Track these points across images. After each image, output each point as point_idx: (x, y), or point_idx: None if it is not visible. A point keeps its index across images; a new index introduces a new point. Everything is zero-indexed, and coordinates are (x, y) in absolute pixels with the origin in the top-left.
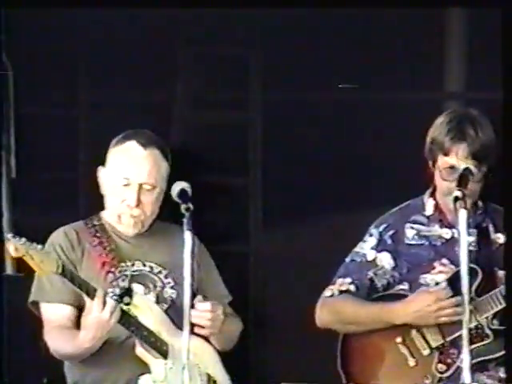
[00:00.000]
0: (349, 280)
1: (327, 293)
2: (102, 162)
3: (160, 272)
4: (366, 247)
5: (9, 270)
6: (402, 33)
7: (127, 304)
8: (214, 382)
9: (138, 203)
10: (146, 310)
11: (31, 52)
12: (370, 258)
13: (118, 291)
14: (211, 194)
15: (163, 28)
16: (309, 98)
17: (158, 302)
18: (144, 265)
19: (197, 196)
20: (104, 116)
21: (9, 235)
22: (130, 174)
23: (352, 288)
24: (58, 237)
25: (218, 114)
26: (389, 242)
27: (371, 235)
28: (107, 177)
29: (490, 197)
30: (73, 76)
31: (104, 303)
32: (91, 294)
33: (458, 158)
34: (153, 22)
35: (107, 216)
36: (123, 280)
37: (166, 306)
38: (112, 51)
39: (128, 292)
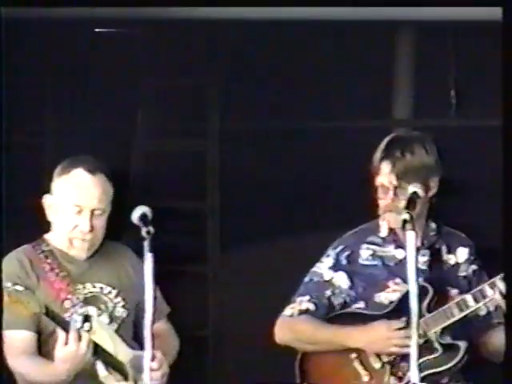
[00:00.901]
0: (307, 298)
1: (287, 312)
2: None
3: (110, 292)
4: (324, 267)
5: None
6: (352, 62)
7: (88, 330)
8: None
9: (91, 229)
10: (103, 334)
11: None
12: (327, 278)
13: (79, 319)
14: (171, 218)
15: (126, 57)
16: (262, 126)
17: (110, 322)
18: (94, 286)
19: (157, 220)
20: (66, 143)
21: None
22: (81, 201)
23: (311, 307)
24: (11, 265)
25: (177, 142)
26: (344, 262)
27: (328, 256)
28: (55, 204)
29: (443, 219)
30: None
31: (80, 337)
32: (67, 329)
33: (384, 175)
34: (117, 51)
35: (55, 241)
36: (81, 307)
37: (116, 325)
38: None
39: (87, 318)
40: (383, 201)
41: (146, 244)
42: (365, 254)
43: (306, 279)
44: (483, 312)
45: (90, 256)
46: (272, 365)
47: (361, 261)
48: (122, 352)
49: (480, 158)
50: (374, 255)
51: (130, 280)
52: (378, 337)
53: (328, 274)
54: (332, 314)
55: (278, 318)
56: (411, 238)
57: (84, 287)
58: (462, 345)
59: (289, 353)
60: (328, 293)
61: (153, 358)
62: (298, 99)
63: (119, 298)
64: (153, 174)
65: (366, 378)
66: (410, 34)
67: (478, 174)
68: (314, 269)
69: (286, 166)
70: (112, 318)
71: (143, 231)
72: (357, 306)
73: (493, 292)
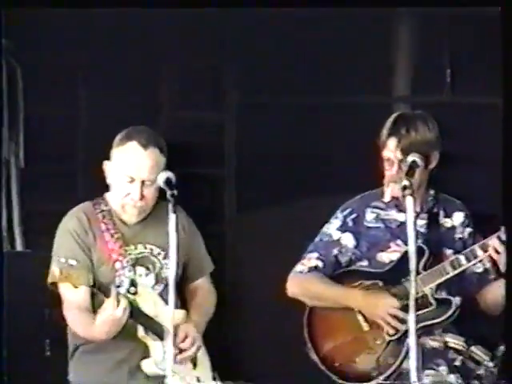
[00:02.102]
0: (316, 255)
1: (298, 268)
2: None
3: (159, 253)
4: (332, 228)
5: (18, 246)
6: (358, 45)
7: (134, 294)
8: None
9: (142, 197)
10: (146, 296)
11: (36, 53)
12: (335, 238)
13: (126, 282)
14: (193, 183)
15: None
16: (275, 101)
17: (156, 282)
18: (145, 247)
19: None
20: (100, 114)
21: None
22: (132, 173)
23: (320, 264)
24: (70, 222)
25: (200, 115)
26: (351, 224)
27: (336, 218)
28: (112, 171)
29: (442, 187)
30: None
31: (118, 302)
32: (107, 294)
33: (390, 150)
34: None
35: (112, 202)
36: (129, 270)
37: (162, 286)
38: (106, 55)
39: (133, 283)
40: (389, 172)
41: (170, 206)
42: (369, 216)
43: (316, 239)
44: (480, 269)
45: (143, 218)
46: (284, 318)
47: (366, 223)
48: (162, 314)
49: (472, 131)
50: (377, 218)
51: (179, 237)
52: (376, 308)
53: (336, 234)
54: (339, 270)
55: (290, 273)
56: (410, 202)
57: (136, 248)
58: (455, 300)
59: (299, 307)
60: (335, 251)
61: (184, 339)
62: (305, 80)
63: (167, 260)
64: (179, 143)
65: (366, 328)
66: (409, 18)
67: (472, 147)
68: (323, 229)
69: (299, 137)
70: (158, 279)
71: (168, 194)
72: (361, 263)
73: (483, 252)
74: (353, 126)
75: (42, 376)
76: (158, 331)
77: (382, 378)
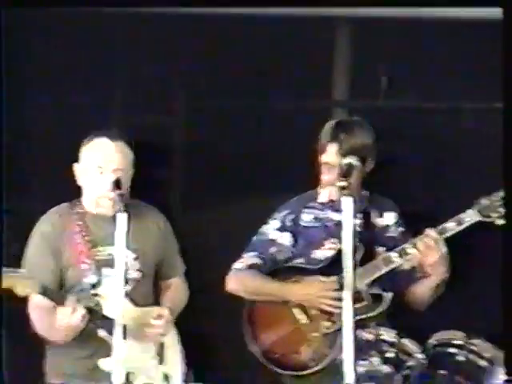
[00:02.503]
0: (255, 254)
1: (237, 266)
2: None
3: (127, 256)
4: (270, 228)
5: None
6: (296, 48)
7: (95, 295)
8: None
9: (114, 188)
10: (109, 298)
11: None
12: (273, 237)
13: (88, 285)
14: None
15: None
16: (223, 105)
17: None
18: (128, 248)
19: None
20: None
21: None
22: (102, 163)
23: (258, 261)
24: (44, 225)
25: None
26: (289, 224)
27: (275, 219)
28: (83, 169)
29: (375, 188)
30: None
31: (74, 309)
32: (61, 301)
33: (330, 155)
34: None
35: (86, 204)
36: (93, 273)
37: (130, 287)
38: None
39: (95, 285)
40: (326, 176)
41: (119, 206)
42: (306, 217)
43: (255, 238)
44: (407, 267)
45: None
46: (225, 311)
47: (302, 223)
48: (127, 313)
49: (404, 135)
50: (314, 218)
51: (152, 240)
52: (312, 293)
53: (274, 234)
54: (277, 267)
55: (229, 270)
56: (347, 203)
57: (105, 250)
58: (387, 295)
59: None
60: (273, 250)
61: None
62: (249, 86)
63: (135, 262)
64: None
65: (303, 321)
66: (348, 28)
67: (404, 150)
68: (261, 229)
69: (241, 140)
70: (126, 280)
71: (116, 194)
72: (297, 260)
73: (414, 250)
74: (292, 129)
75: None
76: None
77: (318, 367)
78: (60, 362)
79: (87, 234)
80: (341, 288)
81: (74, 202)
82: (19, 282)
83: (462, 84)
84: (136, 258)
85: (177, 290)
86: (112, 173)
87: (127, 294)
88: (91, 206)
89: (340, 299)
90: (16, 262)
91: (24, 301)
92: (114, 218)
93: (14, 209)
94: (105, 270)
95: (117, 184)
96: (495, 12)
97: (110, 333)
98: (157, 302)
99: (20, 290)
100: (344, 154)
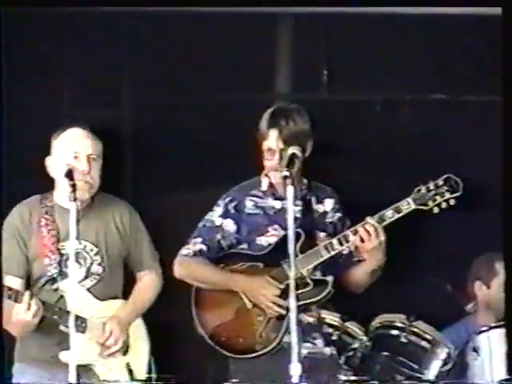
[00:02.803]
0: (200, 240)
1: (183, 252)
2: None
3: (91, 250)
4: (215, 215)
5: None
6: (244, 47)
7: (55, 290)
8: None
9: (89, 169)
10: (71, 292)
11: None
12: (217, 224)
13: (47, 279)
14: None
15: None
16: (163, 100)
17: (86, 277)
18: (80, 243)
19: None
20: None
21: None
22: (77, 148)
23: (204, 248)
24: (13, 218)
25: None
26: (232, 211)
27: (219, 206)
28: (55, 161)
29: (313, 175)
30: None
31: (29, 307)
32: (19, 298)
33: (272, 141)
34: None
35: (57, 197)
36: (55, 267)
37: (94, 281)
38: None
39: (55, 280)
40: (269, 162)
41: (71, 195)
42: (249, 204)
43: (200, 224)
44: (345, 251)
45: (83, 210)
46: (176, 295)
47: (246, 210)
48: (87, 308)
49: (343, 125)
50: (256, 206)
51: (115, 234)
52: (258, 295)
53: (218, 221)
54: (221, 253)
55: (176, 256)
56: (290, 191)
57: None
58: (330, 279)
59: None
60: (218, 236)
61: (109, 336)
62: (195, 80)
63: (98, 256)
64: None
65: (249, 306)
66: (289, 24)
67: (342, 139)
68: (206, 216)
69: (188, 134)
70: (88, 274)
71: (69, 184)
72: (242, 246)
73: (354, 237)
74: (236, 121)
75: None
76: (79, 325)
77: (264, 351)
78: (28, 346)
79: (53, 227)
80: (285, 279)
81: (46, 195)
82: None
83: (399, 77)
84: (98, 252)
85: (143, 288)
86: (86, 158)
87: (89, 288)
88: (61, 199)
89: (279, 305)
90: None
91: None
92: (80, 212)
93: None
94: (69, 264)
95: (69, 175)
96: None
97: (67, 326)
98: (126, 294)
99: None
100: (285, 140)
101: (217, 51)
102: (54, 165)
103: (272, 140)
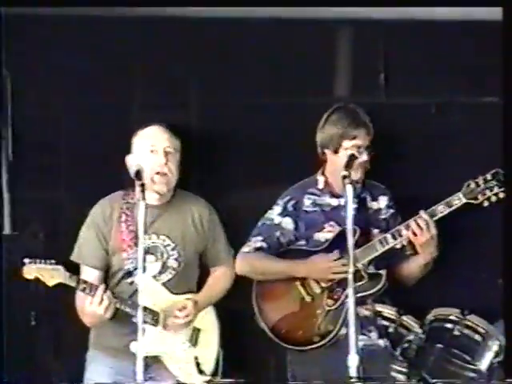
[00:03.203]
0: (260, 238)
1: (245, 249)
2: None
3: (169, 245)
4: (274, 213)
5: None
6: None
7: (131, 283)
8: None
9: (166, 161)
10: (146, 285)
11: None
12: (276, 222)
13: (123, 273)
14: None
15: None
16: (228, 101)
17: (161, 271)
18: (158, 237)
19: None
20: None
21: (25, 260)
22: (154, 142)
23: (264, 245)
24: (95, 212)
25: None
26: (291, 209)
27: (277, 204)
28: (135, 159)
29: (369, 175)
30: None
31: (101, 300)
32: (93, 291)
33: (361, 139)
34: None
35: (137, 193)
36: (131, 262)
37: (170, 275)
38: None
39: (130, 273)
40: (360, 158)
41: (140, 195)
42: (307, 202)
43: (260, 223)
44: (398, 246)
45: (161, 206)
46: (239, 290)
47: (303, 208)
48: (160, 302)
49: (401, 127)
50: (313, 203)
51: (193, 230)
52: (317, 267)
53: (277, 219)
54: (281, 249)
55: (238, 254)
56: (350, 191)
57: (150, 238)
58: (384, 273)
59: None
60: (277, 234)
61: (182, 309)
62: (259, 83)
63: (174, 251)
64: None
65: (308, 299)
66: (349, 30)
67: (400, 140)
68: (266, 215)
69: (250, 134)
70: (164, 268)
71: (138, 184)
72: (300, 243)
73: (407, 232)
74: (297, 123)
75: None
76: (152, 318)
77: (322, 342)
78: (102, 334)
79: (132, 222)
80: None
81: (128, 191)
82: (47, 272)
83: (453, 80)
84: (175, 247)
85: (217, 279)
86: (163, 151)
87: (164, 282)
88: (147, 187)
89: (343, 266)
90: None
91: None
92: (159, 207)
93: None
94: (149, 258)
95: (137, 175)
96: (493, 13)
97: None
98: (200, 289)
99: (48, 281)
100: (371, 137)
101: (280, 55)
102: (134, 162)
103: (361, 138)
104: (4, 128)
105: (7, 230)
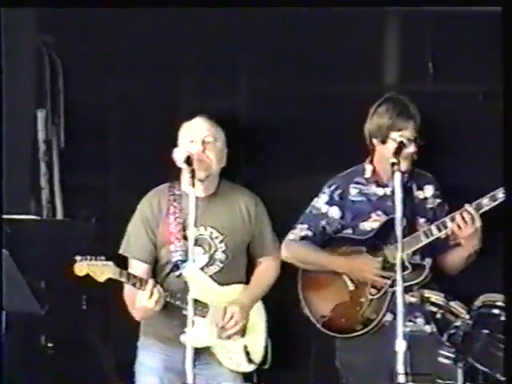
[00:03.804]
0: (306, 226)
1: (290, 236)
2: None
3: (217, 237)
4: (320, 202)
5: (59, 215)
6: (349, 34)
7: (179, 276)
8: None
9: (204, 149)
10: (194, 278)
11: (74, 48)
12: (323, 211)
13: (171, 266)
14: None
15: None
16: (277, 89)
17: (209, 263)
18: (206, 229)
19: None
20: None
21: (76, 257)
22: (194, 133)
23: (309, 233)
24: (143, 206)
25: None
26: (337, 198)
27: (324, 193)
28: (179, 150)
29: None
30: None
31: (151, 294)
32: (143, 285)
33: (410, 130)
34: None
35: (183, 184)
36: (180, 255)
37: (217, 268)
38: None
39: (178, 266)
40: (406, 150)
41: (190, 181)
42: (353, 191)
43: (307, 211)
44: (443, 236)
45: (208, 197)
46: (285, 277)
47: (350, 197)
48: (209, 293)
49: (450, 116)
50: (360, 193)
51: (240, 221)
52: (358, 268)
53: (324, 208)
54: (327, 238)
55: (284, 241)
56: (398, 178)
57: (197, 230)
58: (428, 264)
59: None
60: (323, 222)
61: (230, 318)
62: (308, 71)
63: (222, 244)
64: None
65: (352, 288)
66: (396, 16)
67: (449, 130)
68: (312, 203)
69: (299, 121)
70: (212, 260)
71: (188, 171)
72: (346, 231)
73: (452, 224)
74: (345, 111)
75: (79, 328)
76: (201, 310)
77: (364, 330)
78: (153, 323)
79: (180, 215)
80: (385, 262)
81: (173, 184)
82: (97, 269)
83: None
84: (223, 240)
85: (263, 273)
86: (201, 141)
87: (212, 274)
88: (188, 187)
89: (381, 276)
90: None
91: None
92: (205, 199)
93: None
94: (197, 250)
95: (187, 161)
96: None
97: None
98: (248, 280)
99: (99, 277)
100: (418, 130)
101: (330, 44)
102: (179, 154)
103: (410, 130)
104: (56, 115)
105: (60, 216)
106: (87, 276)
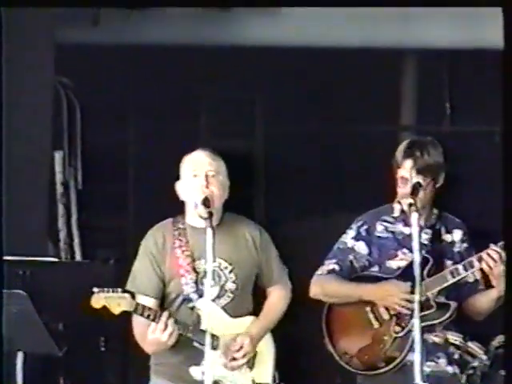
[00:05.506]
0: (334, 261)
1: (318, 271)
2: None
3: (226, 268)
4: (348, 237)
5: (77, 257)
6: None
7: (191, 308)
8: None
9: (207, 184)
10: (207, 310)
11: (91, 90)
12: (350, 245)
13: (182, 298)
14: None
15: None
16: (294, 130)
17: (219, 294)
18: (214, 261)
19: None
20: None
21: (94, 289)
22: (197, 167)
23: (336, 267)
24: (147, 242)
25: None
26: (364, 234)
27: (351, 228)
28: (182, 184)
29: (444, 207)
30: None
31: (166, 326)
32: (157, 318)
33: (406, 170)
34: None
35: (188, 218)
36: (191, 287)
37: (228, 299)
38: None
39: (192, 298)
40: (402, 189)
41: (207, 223)
42: (379, 227)
43: (335, 247)
44: (471, 279)
45: (215, 227)
46: (307, 315)
47: (376, 233)
48: (220, 325)
49: (468, 156)
50: (386, 230)
51: (247, 252)
52: (386, 294)
53: (351, 242)
54: (354, 275)
55: (312, 277)
56: (415, 217)
57: (206, 262)
58: (453, 304)
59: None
60: (350, 257)
61: (239, 349)
62: (324, 111)
63: (232, 274)
64: None
65: (376, 326)
66: (414, 58)
67: (470, 171)
68: (340, 238)
69: (322, 162)
70: (222, 292)
71: (205, 212)
72: (373, 269)
73: (479, 264)
74: (365, 152)
75: (97, 370)
76: (212, 342)
77: (387, 368)
78: (162, 363)
79: (187, 248)
80: (412, 292)
81: (177, 218)
82: (114, 300)
83: None
84: (232, 270)
85: (274, 301)
86: (205, 175)
87: (223, 306)
88: (192, 220)
89: (411, 301)
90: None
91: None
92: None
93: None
94: (206, 282)
95: (205, 202)
96: None
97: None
98: (256, 311)
99: (114, 309)
100: (419, 170)
101: (346, 84)
102: (182, 188)
103: (406, 169)
104: (73, 156)
105: (78, 257)
106: (103, 309)
